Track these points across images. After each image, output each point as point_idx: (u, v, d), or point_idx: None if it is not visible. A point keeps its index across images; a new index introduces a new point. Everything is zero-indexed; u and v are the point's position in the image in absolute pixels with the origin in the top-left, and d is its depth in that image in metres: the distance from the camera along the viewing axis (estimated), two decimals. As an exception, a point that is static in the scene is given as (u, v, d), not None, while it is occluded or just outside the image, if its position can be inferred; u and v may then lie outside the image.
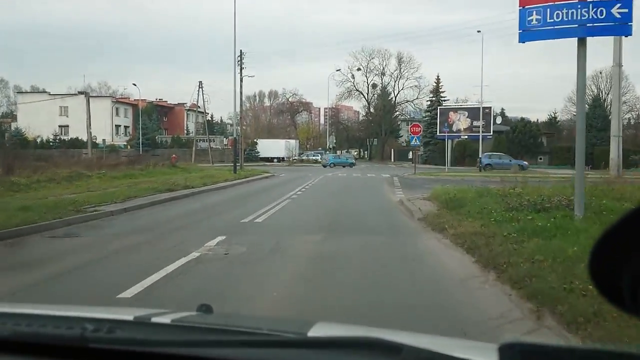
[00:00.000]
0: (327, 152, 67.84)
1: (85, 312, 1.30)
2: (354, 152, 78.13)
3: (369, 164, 64.75)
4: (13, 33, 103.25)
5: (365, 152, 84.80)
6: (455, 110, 54.77)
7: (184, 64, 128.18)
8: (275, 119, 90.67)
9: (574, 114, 66.42)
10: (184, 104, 79.81)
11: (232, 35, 32.64)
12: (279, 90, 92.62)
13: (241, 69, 36.82)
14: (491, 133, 53.15)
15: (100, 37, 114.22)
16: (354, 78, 74.75)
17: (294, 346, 1.07)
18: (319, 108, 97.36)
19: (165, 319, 1.24)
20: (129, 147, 59.06)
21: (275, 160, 61.34)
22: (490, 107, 53.89)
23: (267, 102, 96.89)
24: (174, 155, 37.83)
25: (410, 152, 74.15)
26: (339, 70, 70.55)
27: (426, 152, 59.42)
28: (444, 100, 59.49)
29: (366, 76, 74.70)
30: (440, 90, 60.44)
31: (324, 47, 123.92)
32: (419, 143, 35.90)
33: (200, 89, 55.49)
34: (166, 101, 79.80)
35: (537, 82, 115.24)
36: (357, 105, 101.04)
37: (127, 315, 1.27)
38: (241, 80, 36.83)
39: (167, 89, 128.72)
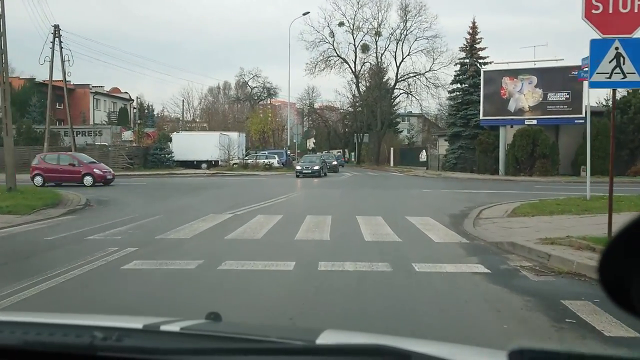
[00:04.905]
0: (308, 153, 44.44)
1: (94, 321, 1.30)
2: (335, 153, 53.52)
3: (358, 170, 40.80)
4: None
5: (352, 152, 60.72)
6: (515, 74, 30.68)
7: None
8: (231, 110, 66.51)
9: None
10: (88, 85, 55.82)
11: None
12: (238, 70, 69.00)
13: None
14: (582, 115, 29.52)
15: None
16: (333, 37, 50.65)
17: (302, 354, 1.09)
18: (303, 109, 68.78)
19: (174, 327, 1.23)
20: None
21: (203, 165, 37.31)
22: (580, 67, 30.30)
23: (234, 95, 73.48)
24: None
25: (423, 152, 49.07)
26: (307, 13, 46.28)
27: (454, 151, 35.59)
28: (484, 63, 35.42)
29: (353, 35, 50.51)
30: (477, 45, 36.49)
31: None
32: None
33: (57, 38, 31.12)
34: (70, 82, 55.47)
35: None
36: (340, 82, 76.21)
37: (136, 323, 1.25)
38: None
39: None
